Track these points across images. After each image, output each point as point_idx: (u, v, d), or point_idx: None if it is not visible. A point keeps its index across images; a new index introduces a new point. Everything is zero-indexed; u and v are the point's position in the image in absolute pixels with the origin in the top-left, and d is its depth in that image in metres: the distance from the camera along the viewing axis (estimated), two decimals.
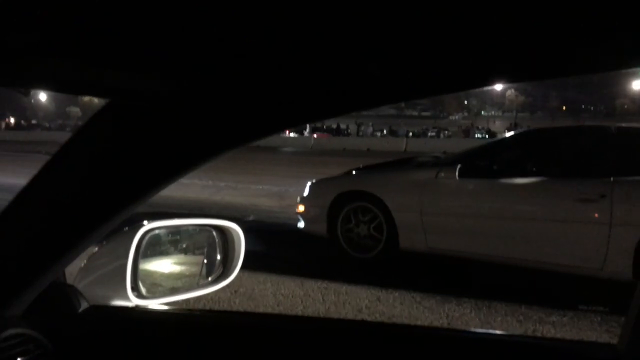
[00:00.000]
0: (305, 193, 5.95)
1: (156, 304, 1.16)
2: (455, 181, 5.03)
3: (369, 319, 4.09)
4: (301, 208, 5.93)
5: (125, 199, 0.85)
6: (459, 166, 5.07)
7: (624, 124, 5.51)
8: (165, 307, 1.16)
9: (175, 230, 1.30)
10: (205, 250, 1.31)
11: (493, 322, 4.05)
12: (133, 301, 1.10)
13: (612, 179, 4.39)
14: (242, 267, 1.29)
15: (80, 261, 1.10)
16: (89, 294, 1.07)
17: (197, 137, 0.78)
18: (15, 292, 0.93)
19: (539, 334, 3.90)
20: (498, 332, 0.97)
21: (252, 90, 0.74)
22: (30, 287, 0.93)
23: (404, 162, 6.18)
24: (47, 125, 74.56)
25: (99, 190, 0.86)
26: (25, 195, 0.93)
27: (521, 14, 0.55)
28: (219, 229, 1.28)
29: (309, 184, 6.03)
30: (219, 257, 1.28)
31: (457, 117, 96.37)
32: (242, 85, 0.74)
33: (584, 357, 0.93)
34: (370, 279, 4.87)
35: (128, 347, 1.04)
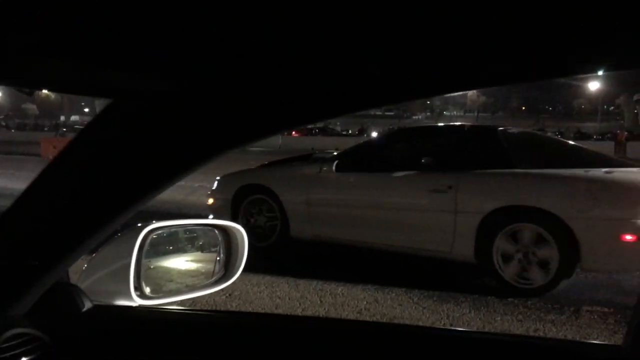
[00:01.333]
0: (214, 187, 6.43)
1: (159, 304, 1.16)
2: (334, 175, 5.65)
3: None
4: (210, 201, 6.43)
5: (127, 199, 0.85)
6: (336, 162, 5.69)
7: (476, 124, 6.13)
8: (168, 307, 1.16)
9: (178, 230, 1.30)
10: (208, 250, 1.31)
11: (493, 322, 4.05)
12: (136, 301, 1.10)
13: (459, 171, 5.00)
14: None
15: (84, 261, 1.09)
16: (92, 293, 1.07)
17: (198, 137, 0.78)
18: (18, 292, 0.93)
19: (541, 333, 3.89)
20: (499, 332, 0.96)
21: (252, 91, 0.74)
22: (33, 287, 0.93)
23: (304, 158, 6.67)
24: (3, 123, 71.75)
25: (102, 190, 0.86)
26: (28, 195, 0.92)
27: (521, 15, 0.55)
28: (222, 229, 1.28)
29: (217, 178, 6.48)
30: (221, 257, 1.29)
31: (420, 116, 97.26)
32: (242, 85, 0.74)
33: (588, 358, 0.92)
34: (366, 280, 4.94)
35: (131, 347, 1.03)
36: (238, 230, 1.27)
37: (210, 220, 1.30)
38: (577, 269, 4.62)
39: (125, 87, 0.80)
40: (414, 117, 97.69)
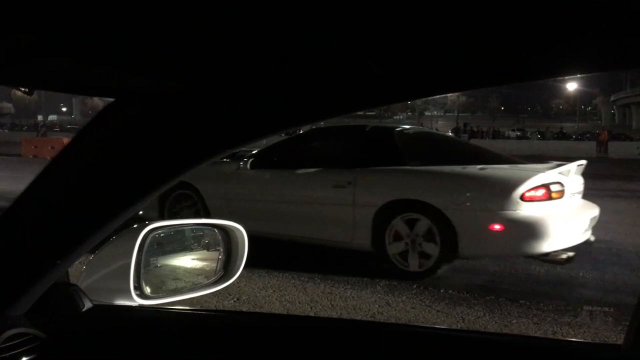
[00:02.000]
0: None
1: (159, 304, 1.16)
2: (250, 172, 6.04)
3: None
4: None
5: (127, 198, 0.85)
6: (251, 159, 6.07)
7: (377, 125, 6.70)
8: (168, 307, 1.16)
9: (178, 230, 1.29)
10: (208, 250, 1.31)
11: (510, 325, 4.05)
12: (136, 301, 1.10)
13: (357, 169, 5.49)
14: None
15: (84, 261, 1.09)
16: (92, 293, 1.07)
17: (198, 137, 0.78)
18: (18, 291, 0.93)
19: (559, 336, 3.88)
20: (499, 332, 0.95)
21: (252, 90, 0.74)
22: (33, 286, 0.93)
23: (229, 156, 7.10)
24: None
25: (101, 189, 0.86)
26: (28, 195, 0.92)
27: (523, 15, 0.55)
28: (223, 229, 1.28)
29: None
30: (222, 257, 1.29)
31: (401, 116, 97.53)
32: (242, 85, 0.74)
33: (589, 358, 0.91)
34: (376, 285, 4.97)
35: (131, 347, 1.03)
36: (238, 230, 1.28)
37: (210, 220, 1.30)
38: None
39: (125, 87, 0.80)
40: (394, 117, 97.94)
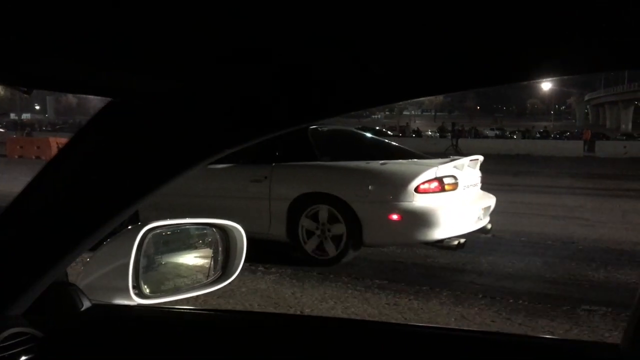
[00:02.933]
0: None
1: (157, 303, 1.16)
2: None
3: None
4: None
5: (126, 198, 0.85)
6: None
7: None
8: (167, 306, 1.16)
9: (177, 229, 1.29)
10: (207, 249, 1.31)
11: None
12: (134, 300, 1.10)
13: (273, 164, 5.85)
14: None
15: (82, 260, 1.08)
16: (90, 292, 1.07)
17: (197, 137, 0.78)
18: (17, 291, 0.93)
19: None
20: (499, 332, 0.94)
21: (252, 90, 0.74)
22: (32, 286, 0.93)
23: None
24: None
25: (100, 189, 0.86)
26: (26, 194, 0.91)
27: (522, 15, 0.55)
28: (221, 228, 1.28)
29: None
30: (220, 256, 1.29)
31: (379, 116, 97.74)
32: (242, 85, 0.74)
33: (587, 357, 0.91)
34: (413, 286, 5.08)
35: (129, 346, 1.03)
36: (237, 229, 1.28)
37: (208, 219, 1.30)
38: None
39: (125, 87, 0.80)
40: (372, 116, 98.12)
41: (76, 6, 0.56)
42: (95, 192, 0.86)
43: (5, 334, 0.90)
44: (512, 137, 45.91)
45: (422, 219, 5.25)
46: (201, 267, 1.32)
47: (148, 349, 1.03)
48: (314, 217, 5.64)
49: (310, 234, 5.68)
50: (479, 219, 5.72)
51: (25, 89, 0.97)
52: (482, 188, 6.27)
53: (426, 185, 5.31)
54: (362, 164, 5.71)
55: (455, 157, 6.02)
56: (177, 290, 1.23)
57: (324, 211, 5.58)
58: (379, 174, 5.53)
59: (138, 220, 1.15)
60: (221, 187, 6.07)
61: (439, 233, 5.30)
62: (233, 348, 1.01)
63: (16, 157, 21.81)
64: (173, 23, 0.61)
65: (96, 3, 0.56)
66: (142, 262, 1.13)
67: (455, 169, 5.57)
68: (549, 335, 3.79)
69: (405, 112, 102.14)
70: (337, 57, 0.68)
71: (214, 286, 1.25)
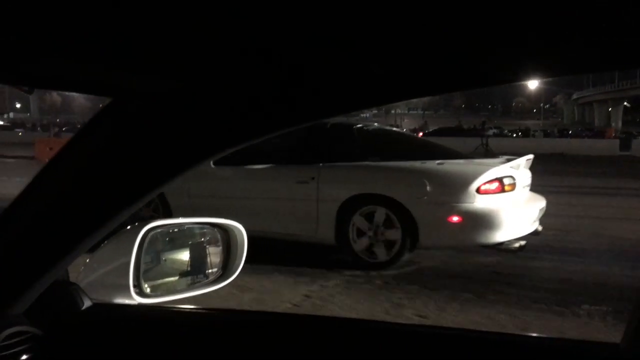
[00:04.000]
0: None
1: (158, 302, 1.16)
2: (212, 168, 6.03)
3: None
4: None
5: (127, 197, 0.85)
6: None
7: (336, 122, 6.79)
8: (167, 305, 1.16)
9: (178, 228, 1.29)
10: (208, 249, 1.31)
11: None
12: (135, 299, 1.10)
13: (320, 164, 5.67)
14: None
15: (83, 259, 1.08)
16: (91, 291, 1.06)
17: (197, 136, 0.78)
18: (18, 290, 0.93)
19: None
20: (499, 331, 0.95)
21: (252, 90, 0.74)
22: (33, 285, 0.93)
23: None
24: None
25: (101, 188, 0.86)
26: (27, 193, 0.91)
27: (522, 15, 0.56)
28: (222, 227, 1.29)
29: None
30: (221, 256, 1.29)
31: (368, 114, 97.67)
32: (242, 85, 0.74)
33: (587, 357, 0.92)
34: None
35: (130, 345, 1.03)
36: (237, 228, 1.28)
37: (210, 218, 1.30)
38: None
39: (125, 86, 0.79)
40: (361, 114, 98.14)
41: (76, 6, 0.56)
42: (96, 192, 0.86)
43: (6, 332, 0.90)
44: (533, 136, 44.35)
45: (483, 221, 5.10)
46: (202, 266, 1.32)
47: (149, 348, 1.03)
48: (367, 219, 5.45)
49: (360, 235, 5.47)
50: (534, 220, 5.57)
51: (27, 88, 0.96)
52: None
53: (487, 186, 5.15)
54: (417, 164, 5.51)
55: (510, 157, 5.77)
56: (177, 289, 1.23)
57: (378, 213, 5.39)
58: (437, 174, 5.35)
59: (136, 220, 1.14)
60: (263, 189, 5.88)
61: (500, 235, 5.14)
62: (234, 347, 1.01)
63: (46, 160, 21.19)
64: (173, 23, 0.61)
65: (96, 3, 0.56)
66: (143, 261, 1.13)
67: (512, 169, 5.39)
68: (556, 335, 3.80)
69: (391, 111, 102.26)
70: (337, 57, 0.68)
71: (215, 285, 1.26)
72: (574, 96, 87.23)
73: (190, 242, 1.33)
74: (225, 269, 1.28)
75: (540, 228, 5.79)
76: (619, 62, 0.63)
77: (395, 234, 5.32)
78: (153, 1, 0.57)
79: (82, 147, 0.88)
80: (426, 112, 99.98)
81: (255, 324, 1.07)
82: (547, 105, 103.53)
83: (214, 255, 1.31)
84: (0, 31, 0.58)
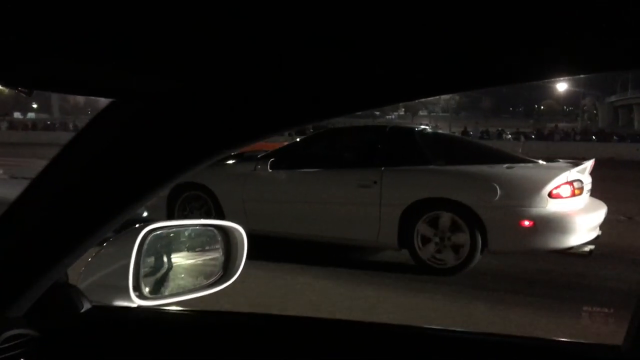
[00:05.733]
0: None
1: (158, 305, 1.16)
2: (268, 172, 6.04)
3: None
4: None
5: (127, 199, 0.85)
6: (270, 160, 6.07)
7: (396, 125, 6.63)
8: (167, 308, 1.16)
9: (178, 230, 1.29)
10: (207, 251, 1.31)
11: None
12: (135, 302, 1.10)
13: (382, 168, 5.56)
14: None
15: (83, 262, 1.08)
16: (91, 294, 1.07)
17: (198, 137, 0.78)
18: (17, 292, 0.93)
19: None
20: (500, 333, 0.95)
21: (252, 90, 0.74)
22: (32, 287, 0.93)
23: (236, 157, 7.06)
24: None
25: (101, 190, 0.86)
26: (27, 195, 0.92)
27: (523, 14, 0.55)
28: (222, 229, 1.28)
29: None
30: (221, 257, 1.29)
31: (393, 116, 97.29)
32: (242, 85, 0.74)
33: (587, 358, 0.92)
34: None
35: (130, 348, 1.03)
36: (237, 230, 1.27)
37: (210, 220, 1.30)
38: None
39: (126, 87, 0.79)
40: (386, 116, 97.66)
41: (76, 6, 0.56)
42: (96, 193, 0.86)
43: (6, 335, 0.90)
44: (592, 139, 42.24)
45: (555, 225, 5.05)
46: (202, 268, 1.32)
47: (148, 350, 1.02)
48: (432, 223, 5.36)
49: (426, 240, 5.37)
50: (598, 225, 5.48)
51: (26, 90, 0.97)
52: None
53: (559, 190, 5.09)
54: (486, 168, 5.44)
55: (575, 161, 5.70)
56: (177, 291, 1.23)
57: (444, 218, 5.31)
58: (508, 178, 5.28)
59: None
60: (322, 193, 5.79)
61: (571, 240, 5.09)
62: (234, 350, 1.01)
63: None
64: (173, 23, 0.61)
65: (96, 3, 0.56)
66: (143, 263, 1.13)
67: (578, 173, 5.33)
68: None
69: (404, 113, 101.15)
70: (337, 57, 0.67)
71: (215, 287, 1.25)
72: (612, 99, 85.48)
73: (190, 244, 1.33)
74: (226, 270, 1.28)
75: (599, 233, 5.65)
76: (621, 62, 0.62)
77: (462, 238, 5.23)
78: (153, 1, 0.57)
79: (82, 147, 0.88)
80: (443, 114, 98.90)
81: (256, 327, 1.06)
82: (571, 108, 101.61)
83: (214, 257, 1.31)
84: (0, 31, 0.59)
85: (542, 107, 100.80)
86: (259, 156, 6.42)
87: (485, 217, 5.12)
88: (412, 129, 6.35)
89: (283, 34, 0.63)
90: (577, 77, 0.69)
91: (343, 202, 5.66)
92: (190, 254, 1.34)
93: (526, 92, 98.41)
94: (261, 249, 5.79)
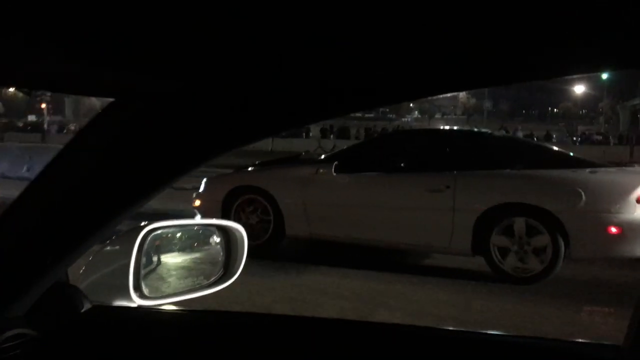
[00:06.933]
0: (201, 189, 6.52)
1: (158, 304, 1.16)
2: (332, 176, 5.89)
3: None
4: (197, 202, 6.53)
5: (127, 198, 0.85)
6: (335, 163, 5.93)
7: (466, 128, 6.53)
8: (168, 307, 1.16)
9: (178, 230, 1.30)
10: (208, 250, 1.32)
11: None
12: (135, 301, 1.10)
13: (455, 172, 5.40)
14: None
15: (83, 261, 1.09)
16: (91, 294, 1.07)
17: (199, 137, 0.78)
18: (17, 292, 0.93)
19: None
20: (499, 332, 0.95)
21: (252, 91, 0.74)
22: (33, 287, 0.93)
23: (293, 160, 7.03)
24: None
25: (101, 190, 0.86)
26: (27, 195, 0.92)
27: (523, 14, 0.55)
28: (222, 229, 1.28)
29: (204, 180, 6.61)
30: (222, 257, 1.29)
31: (408, 119, 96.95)
32: (242, 85, 0.74)
33: (587, 358, 0.92)
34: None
35: (130, 347, 1.03)
36: (238, 230, 1.27)
37: (210, 220, 1.30)
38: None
39: (126, 87, 0.80)
40: (402, 119, 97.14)
41: (76, 6, 0.56)
42: (96, 193, 0.86)
43: (6, 335, 0.90)
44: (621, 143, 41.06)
45: None
46: (202, 267, 1.32)
47: (149, 350, 1.03)
48: (510, 230, 5.17)
49: (504, 247, 5.19)
50: None
51: (26, 90, 0.97)
52: None
53: None
54: (568, 172, 5.26)
55: None
56: (178, 291, 1.23)
57: (523, 224, 5.13)
58: (592, 183, 5.10)
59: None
60: (389, 197, 5.63)
61: None
62: (235, 350, 1.01)
63: None
64: (174, 23, 0.61)
65: (97, 3, 0.56)
66: (143, 263, 1.13)
67: None
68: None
69: (419, 116, 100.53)
70: (337, 57, 0.67)
71: (216, 287, 1.25)
72: (635, 101, 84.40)
73: (190, 244, 1.34)
74: (226, 270, 1.28)
75: None
76: (620, 62, 0.62)
77: (543, 244, 5.07)
78: (153, 1, 0.57)
79: (82, 148, 0.89)
80: (461, 117, 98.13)
81: (257, 326, 1.06)
82: (584, 111, 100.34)
83: (214, 256, 1.31)
84: (0, 31, 0.59)
85: (555, 110, 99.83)
86: (320, 158, 6.37)
87: (568, 223, 4.96)
88: (483, 133, 6.34)
89: (283, 34, 0.63)
90: (595, 80, 0.68)
91: (412, 207, 5.49)
92: (190, 253, 1.34)
93: (541, 95, 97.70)
94: (336, 256, 5.87)
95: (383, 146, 6.52)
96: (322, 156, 6.91)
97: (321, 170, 5.97)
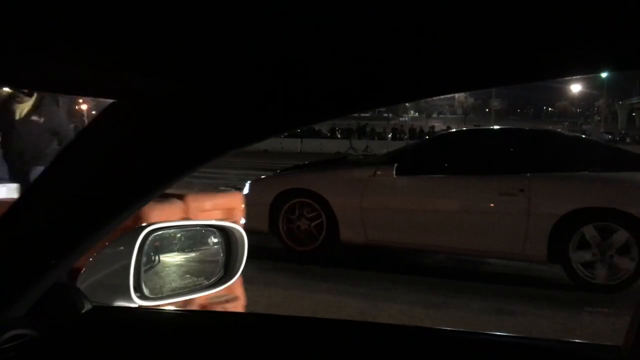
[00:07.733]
0: (245, 191, 6.09)
1: (159, 305, 1.16)
2: (393, 178, 5.60)
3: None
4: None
5: (127, 199, 0.85)
6: (395, 165, 5.63)
7: (540, 128, 6.31)
8: (168, 308, 1.16)
9: (178, 231, 1.30)
10: (208, 251, 1.32)
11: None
12: (136, 302, 1.10)
13: (528, 175, 5.09)
14: None
15: (84, 262, 1.09)
16: (92, 294, 1.07)
17: (199, 138, 0.78)
18: (18, 293, 0.93)
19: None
20: (499, 332, 0.95)
21: (252, 91, 0.74)
22: (33, 288, 0.93)
23: (338, 161, 6.79)
24: None
25: (102, 190, 0.86)
26: (28, 195, 0.92)
27: (523, 14, 0.55)
28: (222, 230, 1.29)
29: (248, 183, 6.33)
30: (222, 258, 1.29)
31: (407, 118, 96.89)
32: (243, 86, 0.74)
33: (587, 359, 0.92)
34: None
35: (131, 348, 1.03)
36: (238, 231, 1.27)
37: (210, 221, 1.30)
38: None
39: (125, 87, 0.80)
40: (400, 118, 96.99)
41: (77, 6, 0.56)
42: (97, 194, 0.86)
43: (6, 336, 0.90)
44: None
45: None
46: (202, 268, 1.32)
47: (149, 351, 1.03)
48: (591, 236, 4.88)
49: (584, 254, 4.91)
50: None
51: (26, 91, 0.97)
52: None
53: None
54: None
55: None
56: (178, 292, 1.23)
57: (607, 229, 4.86)
58: None
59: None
60: (455, 201, 5.38)
61: None
62: (235, 350, 1.01)
63: None
64: (174, 23, 0.61)
65: (96, 3, 0.56)
66: (144, 263, 1.13)
67: None
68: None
69: (416, 114, 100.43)
70: (337, 58, 0.67)
71: (216, 287, 1.25)
72: (634, 100, 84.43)
73: (191, 245, 1.34)
74: (226, 271, 1.28)
75: None
76: (621, 62, 0.62)
77: (630, 251, 4.77)
78: (154, 2, 0.57)
79: (83, 149, 0.89)
80: (450, 116, 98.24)
81: (258, 327, 1.06)
82: (579, 110, 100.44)
83: (214, 257, 1.31)
84: (0, 32, 0.59)
85: (549, 109, 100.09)
86: (375, 159, 6.12)
87: None
88: (555, 133, 6.02)
89: (283, 34, 0.63)
90: (592, 79, 0.68)
91: (481, 211, 5.23)
92: (190, 254, 1.34)
93: (537, 93, 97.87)
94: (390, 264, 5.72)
95: (448, 146, 6.16)
96: (373, 157, 6.62)
97: (379, 172, 5.65)
